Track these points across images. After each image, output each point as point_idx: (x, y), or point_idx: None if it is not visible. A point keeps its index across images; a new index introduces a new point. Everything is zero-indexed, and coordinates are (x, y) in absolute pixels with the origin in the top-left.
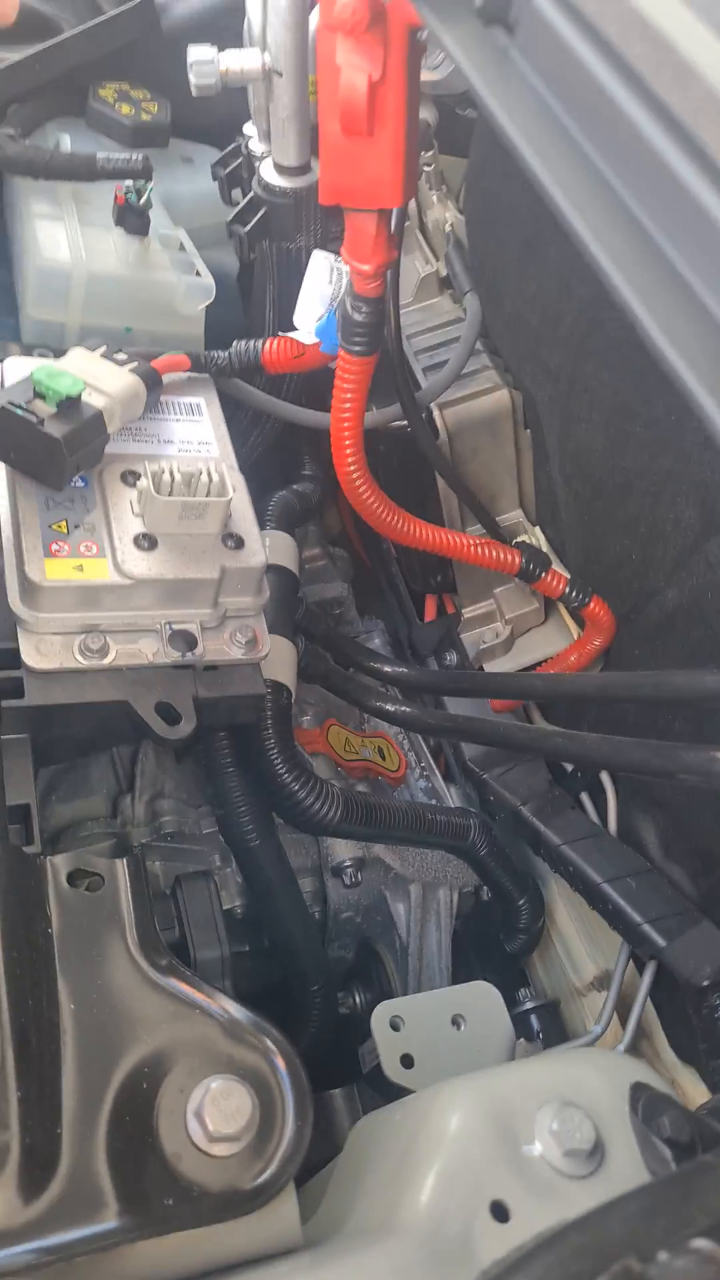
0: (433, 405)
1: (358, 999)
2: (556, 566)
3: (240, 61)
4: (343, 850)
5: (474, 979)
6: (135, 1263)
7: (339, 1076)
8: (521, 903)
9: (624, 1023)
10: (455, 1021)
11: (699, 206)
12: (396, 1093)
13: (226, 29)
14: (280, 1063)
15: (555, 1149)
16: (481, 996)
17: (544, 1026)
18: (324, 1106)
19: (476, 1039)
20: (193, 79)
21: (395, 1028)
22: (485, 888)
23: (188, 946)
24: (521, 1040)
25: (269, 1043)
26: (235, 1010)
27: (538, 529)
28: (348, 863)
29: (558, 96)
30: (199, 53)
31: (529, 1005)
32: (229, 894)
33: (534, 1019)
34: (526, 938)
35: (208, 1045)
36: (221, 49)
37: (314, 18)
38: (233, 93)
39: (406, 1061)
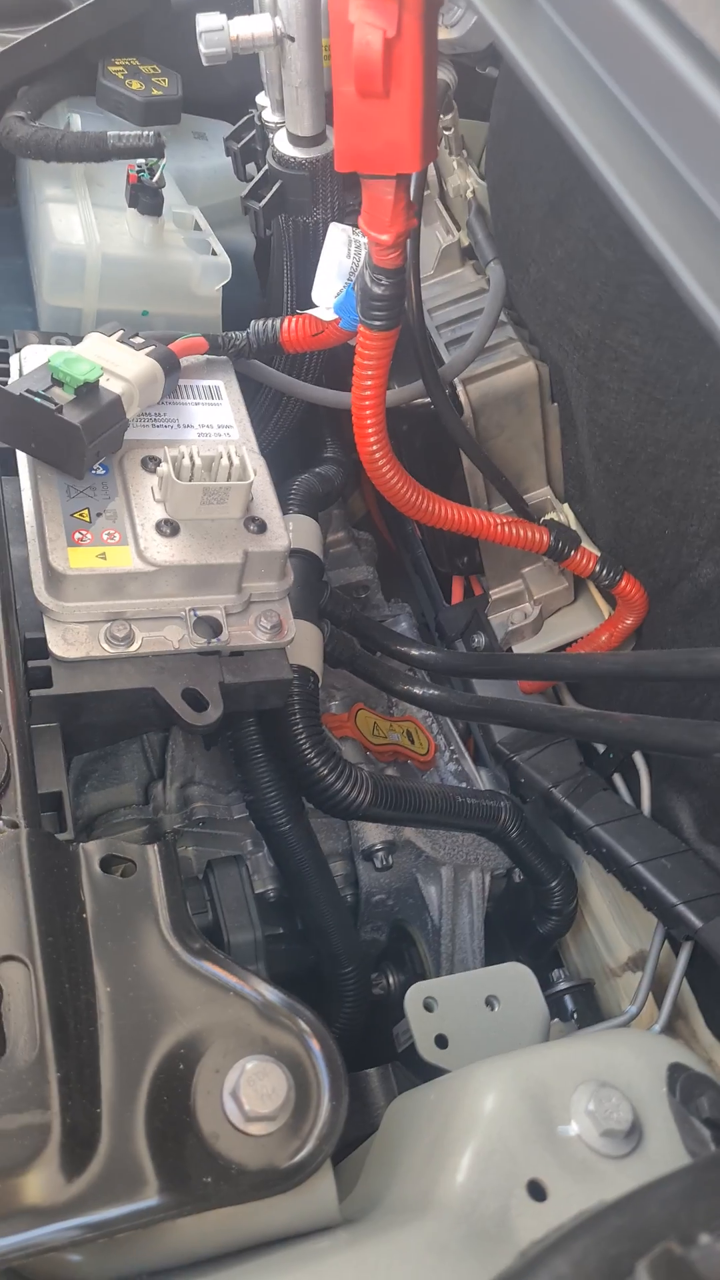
0: (456, 381)
1: (391, 980)
2: (586, 544)
3: (251, 27)
4: (373, 834)
5: (507, 961)
6: (175, 1239)
7: (374, 1057)
8: (554, 884)
9: (659, 1003)
10: (489, 1002)
11: None
12: (431, 1072)
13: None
14: (314, 1043)
15: (592, 1129)
16: (515, 978)
17: (578, 1007)
18: (360, 1085)
19: (510, 1020)
20: (202, 48)
21: (429, 1009)
22: (517, 870)
23: (221, 930)
24: (556, 1020)
25: (302, 1023)
26: (268, 992)
27: (566, 506)
28: (378, 846)
29: (585, 38)
30: (208, 21)
31: (563, 986)
32: (261, 878)
33: (568, 999)
34: (559, 919)
35: (242, 1026)
36: (231, 17)
37: None
38: (244, 64)
39: (440, 1042)
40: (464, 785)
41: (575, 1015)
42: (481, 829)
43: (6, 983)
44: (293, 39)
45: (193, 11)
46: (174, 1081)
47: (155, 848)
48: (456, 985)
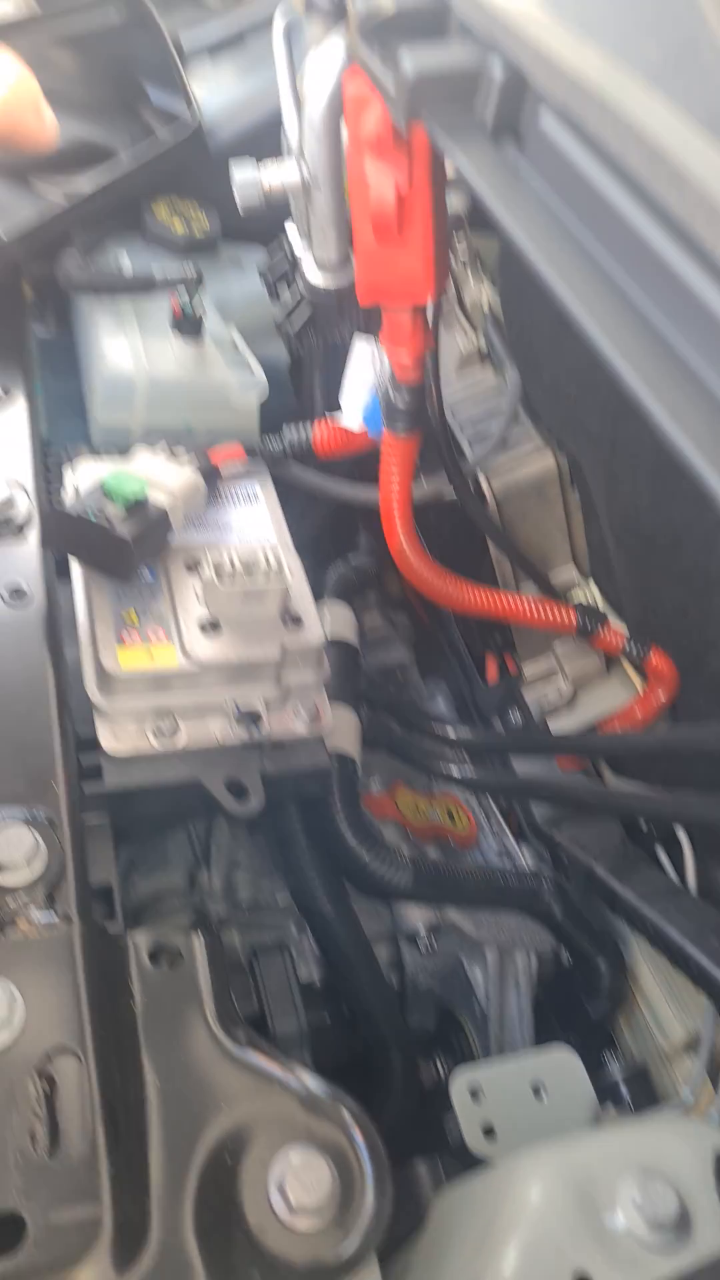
0: (480, 474)
1: (440, 1068)
2: (614, 621)
3: (280, 176)
4: (416, 916)
5: (560, 1044)
6: None
7: (426, 1145)
8: (601, 964)
9: (717, 1086)
10: (535, 1089)
11: (697, 299)
12: (480, 1163)
13: (267, 141)
14: (358, 1135)
15: (638, 1220)
16: (561, 1063)
17: (633, 1092)
18: (407, 1177)
19: (558, 1107)
20: (239, 199)
21: (475, 1097)
22: (564, 950)
23: (266, 1018)
24: (610, 1105)
25: (346, 1115)
26: (312, 1083)
27: (592, 584)
28: (422, 928)
29: (565, 203)
30: (243, 174)
31: (617, 1073)
32: (306, 964)
33: (623, 1086)
34: (609, 1001)
35: (287, 1118)
36: (262, 159)
37: (346, 129)
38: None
39: (488, 1131)
40: (506, 863)
41: (629, 1101)
42: (524, 908)
43: (60, 1075)
44: (317, 184)
45: (227, 154)
46: (221, 1174)
47: (200, 938)
48: (502, 1071)
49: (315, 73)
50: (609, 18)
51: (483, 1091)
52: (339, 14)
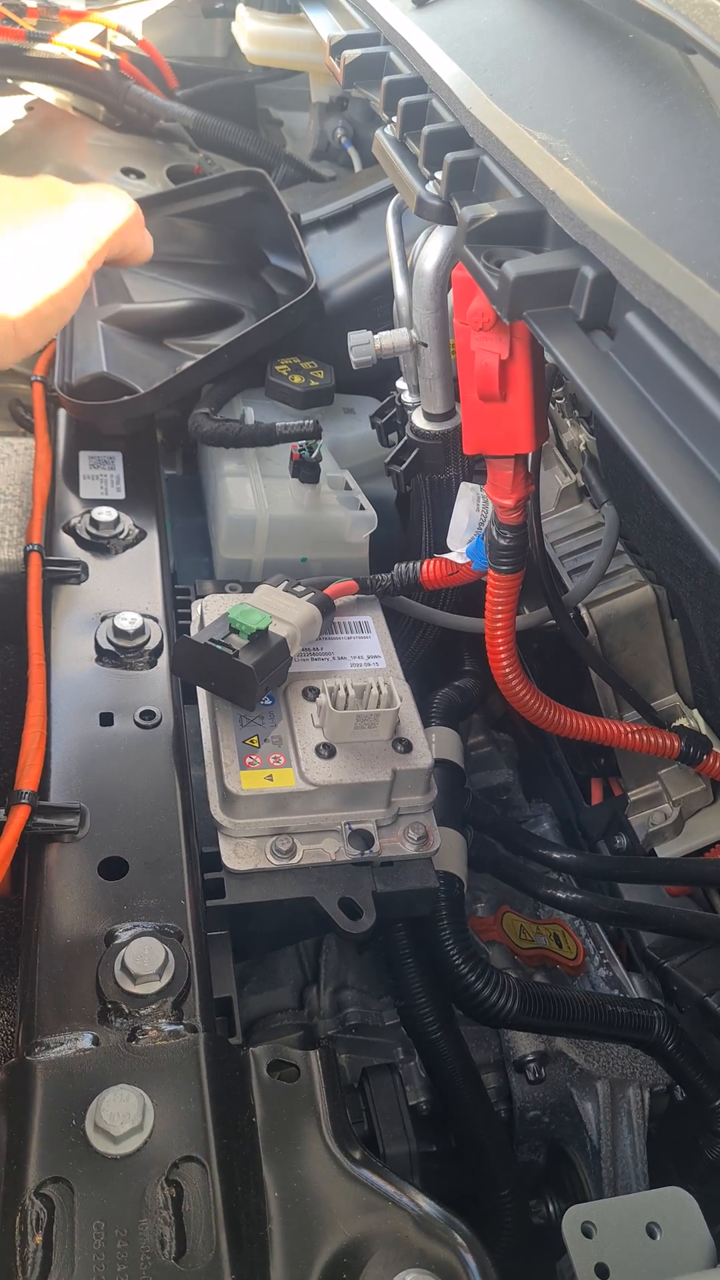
0: (580, 605)
1: (551, 1208)
2: (718, 747)
3: (391, 339)
4: (524, 1044)
5: (674, 1186)
6: None
7: None
8: (718, 1104)
9: None
10: (650, 1230)
11: None
12: None
13: (378, 304)
14: (469, 1257)
15: None
16: (676, 1204)
17: None
18: None
19: (673, 1249)
20: (353, 359)
21: (587, 1234)
22: (679, 1086)
23: (377, 1140)
24: None
25: (458, 1237)
26: (425, 1204)
27: (695, 711)
28: (530, 1057)
29: (650, 390)
30: (357, 337)
31: None
32: (414, 1088)
33: None
34: None
35: (401, 1237)
36: (374, 327)
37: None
38: None
39: (601, 1271)
40: (616, 992)
41: None
42: (634, 1040)
43: (187, 1183)
44: (425, 345)
45: (343, 317)
46: None
47: (317, 1054)
48: (615, 1209)
49: (426, 255)
50: (685, 224)
51: (595, 1229)
52: (447, 215)
